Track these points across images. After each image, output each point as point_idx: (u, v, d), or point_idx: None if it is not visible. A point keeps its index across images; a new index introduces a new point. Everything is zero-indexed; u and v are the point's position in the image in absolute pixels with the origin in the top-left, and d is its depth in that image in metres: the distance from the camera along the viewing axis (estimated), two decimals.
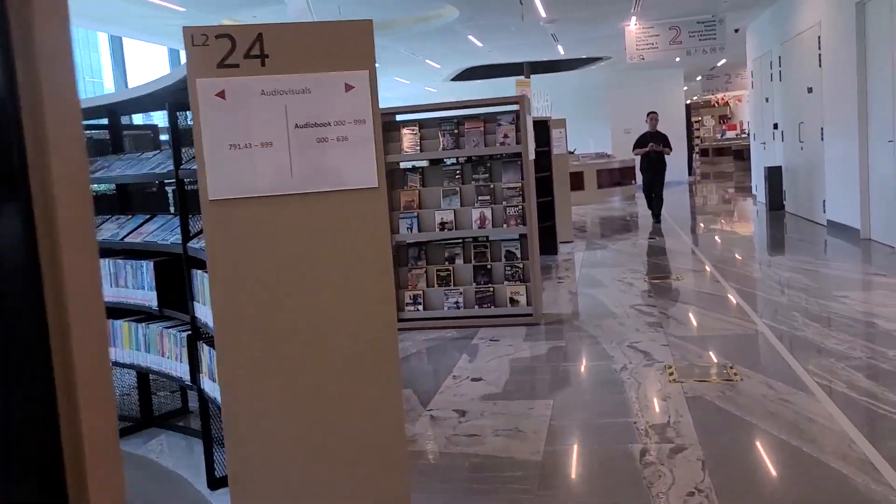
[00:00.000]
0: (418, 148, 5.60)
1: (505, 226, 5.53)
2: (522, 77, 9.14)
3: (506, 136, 5.51)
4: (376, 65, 2.43)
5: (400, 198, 5.70)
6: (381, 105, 2.59)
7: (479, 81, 19.50)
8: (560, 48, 15.73)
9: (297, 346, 2.32)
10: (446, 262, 5.74)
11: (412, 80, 19.35)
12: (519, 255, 5.65)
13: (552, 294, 6.62)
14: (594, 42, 14.96)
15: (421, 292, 5.69)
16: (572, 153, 18.41)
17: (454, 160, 5.78)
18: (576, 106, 20.09)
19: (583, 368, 4.54)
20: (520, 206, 5.50)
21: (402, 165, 5.97)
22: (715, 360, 4.36)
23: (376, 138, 2.33)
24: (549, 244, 9.19)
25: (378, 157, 2.33)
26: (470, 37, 13.10)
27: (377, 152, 2.33)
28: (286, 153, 2.28)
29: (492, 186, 5.61)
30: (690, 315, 5.52)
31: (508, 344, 5.07)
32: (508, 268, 5.62)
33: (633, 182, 16.77)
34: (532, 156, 5.76)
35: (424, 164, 5.93)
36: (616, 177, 16.53)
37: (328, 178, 2.31)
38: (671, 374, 4.15)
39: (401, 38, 12.62)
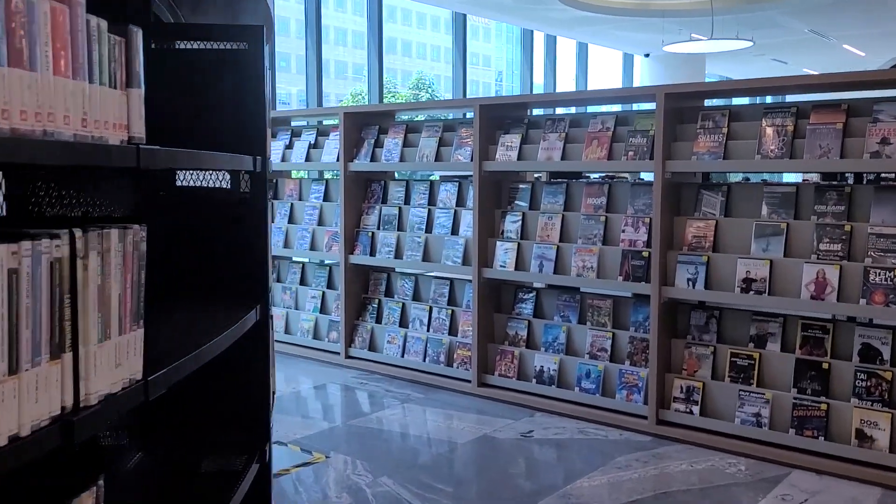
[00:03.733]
0: (721, 150, 3.43)
1: (865, 301, 3.09)
2: None
3: (885, 140, 3.04)
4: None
5: (685, 230, 3.60)
6: None
7: None
8: None
9: None
10: (751, 344, 3.49)
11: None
12: (887, 357, 3.14)
13: None
14: None
15: (700, 385, 3.53)
16: None
17: (779, 176, 3.47)
18: None
19: None
20: None
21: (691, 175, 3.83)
22: None
23: None
24: None
25: None
26: None
27: None
28: None
29: (848, 228, 3.19)
30: None
31: None
32: (863, 375, 3.16)
33: None
34: None
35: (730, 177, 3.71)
36: None
37: None
38: None
39: (799, 11, 9.73)
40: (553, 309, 4.13)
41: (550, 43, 12.05)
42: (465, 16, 10.29)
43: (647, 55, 13.34)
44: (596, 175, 6.42)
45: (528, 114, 4.35)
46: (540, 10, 10.17)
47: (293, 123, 5.49)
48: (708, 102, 3.76)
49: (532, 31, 11.57)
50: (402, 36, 33.30)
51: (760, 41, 11.62)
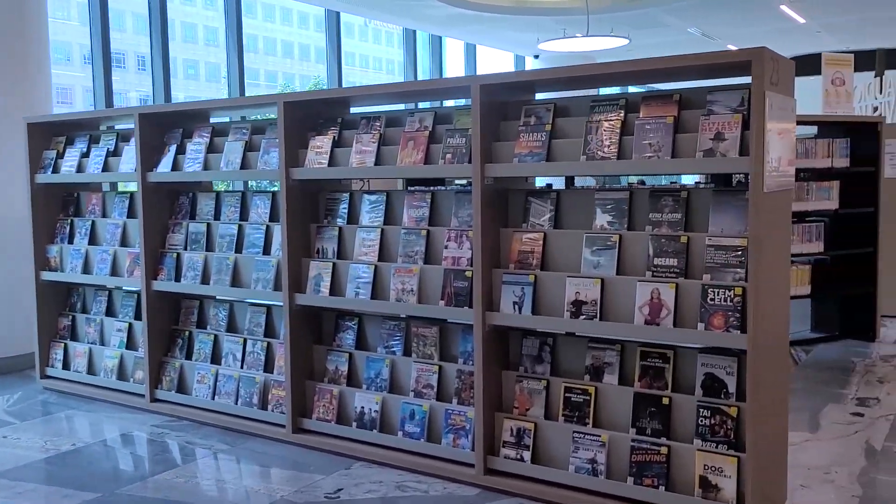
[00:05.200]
0: (544, 151, 2.92)
1: (703, 326, 2.63)
2: (843, 54, 5.73)
3: (719, 135, 2.59)
4: None
5: (512, 244, 3.09)
6: None
7: (812, 78, 15.18)
8: None
9: None
10: (587, 377, 2.99)
11: None
12: (733, 389, 2.69)
13: (824, 452, 3.43)
14: None
15: (532, 426, 3.01)
16: None
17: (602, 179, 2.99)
18: None
19: None
20: (738, 289, 2.56)
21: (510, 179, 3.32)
22: None
23: None
24: (861, 323, 5.67)
25: None
26: (784, 7, 9.49)
27: None
28: None
29: (685, 240, 2.73)
30: None
31: None
32: (706, 412, 2.69)
33: None
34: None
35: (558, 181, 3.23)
36: None
37: None
38: None
39: (677, 10, 9.53)
40: (377, 338, 3.55)
41: (435, 43, 11.56)
42: (338, 13, 9.67)
43: (536, 56, 13.02)
44: (462, 181, 5.88)
45: (349, 112, 3.77)
46: (416, 7, 9.65)
47: (102, 127, 4.74)
48: (543, 96, 3.27)
49: (414, 31, 11.05)
50: (269, 34, 31.19)
51: (646, 41, 11.43)
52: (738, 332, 2.55)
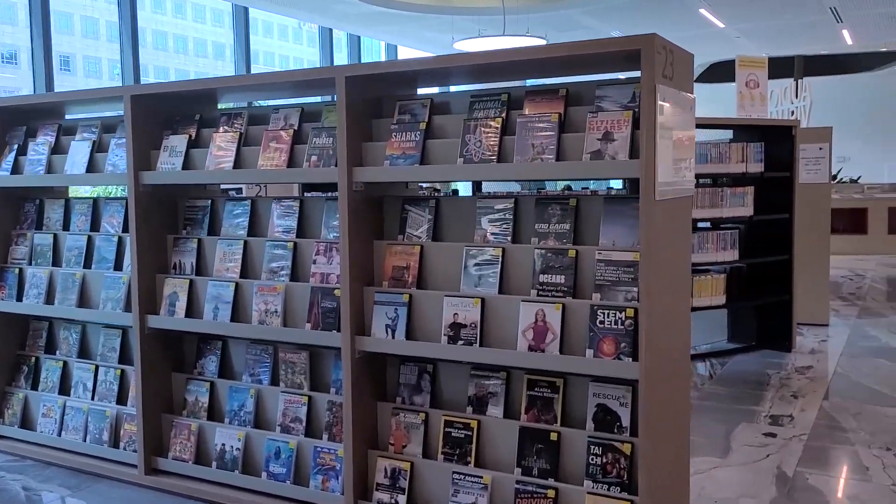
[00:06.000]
0: (419, 153, 2.56)
1: (592, 352, 2.30)
2: (759, 56, 5.57)
3: (608, 135, 2.28)
4: None
5: (386, 259, 2.71)
6: None
7: (732, 85, 15.36)
8: (846, 35, 11.34)
9: None
10: (469, 408, 2.64)
11: None
12: (627, 422, 2.38)
13: (733, 480, 3.17)
14: None
15: (408, 466, 2.64)
16: (856, 182, 13.67)
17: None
18: (866, 119, 15.14)
19: None
20: (629, 310, 2.24)
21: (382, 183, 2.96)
22: None
23: None
24: (778, 332, 5.51)
25: None
26: (703, 11, 9.43)
27: None
28: None
29: (573, 254, 2.41)
30: None
31: None
32: (597, 449, 2.37)
33: None
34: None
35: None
36: None
37: None
38: None
39: (596, 12, 9.37)
40: (243, 365, 3.13)
41: (353, 43, 11.14)
42: (246, 9, 9.16)
43: None
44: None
45: (217, 109, 3.34)
46: (330, 5, 9.22)
47: None
48: (425, 91, 2.91)
49: (331, 30, 10.61)
50: (180, 31, 29.80)
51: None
52: (630, 359, 2.23)
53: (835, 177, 13.82)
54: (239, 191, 5.25)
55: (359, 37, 11.26)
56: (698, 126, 5.55)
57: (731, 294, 5.22)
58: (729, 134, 5.74)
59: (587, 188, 8.77)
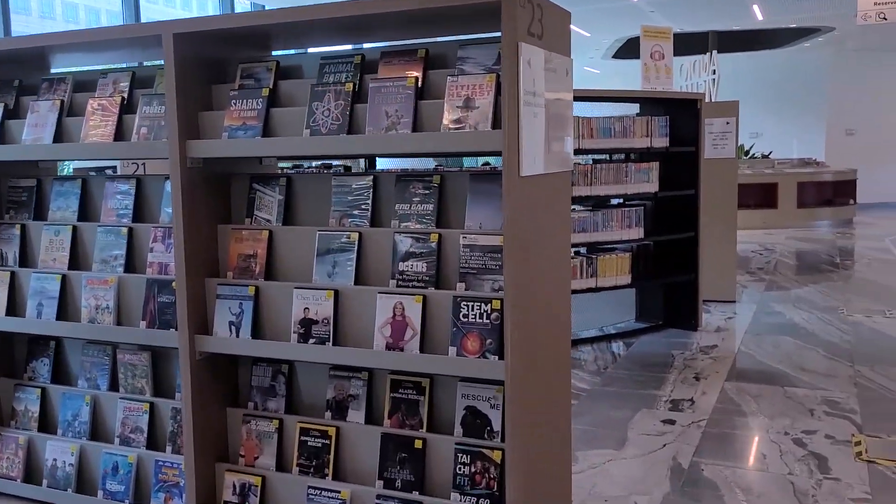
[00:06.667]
0: (261, 124, 2.22)
1: (455, 350, 2.03)
2: (663, 26, 5.42)
3: (469, 101, 1.98)
4: None
5: (231, 246, 2.37)
6: None
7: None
8: (757, 10, 11.41)
9: None
10: (328, 413, 2.34)
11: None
12: (496, 426, 2.12)
13: (626, 475, 2.98)
14: (810, 4, 10.54)
15: (259, 480, 2.33)
16: (767, 157, 13.91)
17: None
18: (778, 95, 15.43)
19: None
20: (495, 301, 1.97)
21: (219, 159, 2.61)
22: None
23: None
24: (684, 311, 5.40)
25: None
26: None
27: None
28: None
29: (435, 238, 2.12)
30: None
31: None
32: (465, 457, 2.11)
33: (852, 202, 12.02)
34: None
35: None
36: (827, 192, 11.87)
37: None
38: None
39: None
40: (79, 368, 2.74)
41: (227, 6, 10.48)
42: None
43: None
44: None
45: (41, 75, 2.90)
46: None
47: None
48: (281, 53, 2.55)
49: None
50: None
51: None
52: (496, 357, 1.96)
53: (747, 152, 14.04)
54: (114, 170, 4.77)
55: (263, 6, 10.68)
56: (602, 99, 5.39)
57: (637, 273, 5.08)
58: (636, 108, 5.57)
59: (488, 163, 8.50)
